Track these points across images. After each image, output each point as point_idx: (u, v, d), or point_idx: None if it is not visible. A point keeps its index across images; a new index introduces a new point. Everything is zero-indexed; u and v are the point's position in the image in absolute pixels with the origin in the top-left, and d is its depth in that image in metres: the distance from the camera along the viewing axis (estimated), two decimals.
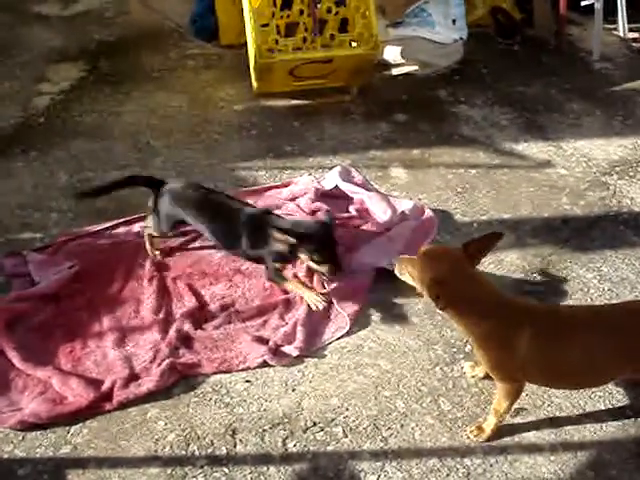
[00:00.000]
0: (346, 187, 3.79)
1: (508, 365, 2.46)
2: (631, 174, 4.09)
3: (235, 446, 2.58)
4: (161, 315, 3.05)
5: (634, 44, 5.76)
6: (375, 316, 3.11)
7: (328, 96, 4.69)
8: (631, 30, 5.84)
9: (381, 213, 3.59)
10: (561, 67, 5.32)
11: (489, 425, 2.60)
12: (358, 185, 3.82)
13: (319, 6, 4.41)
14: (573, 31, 5.89)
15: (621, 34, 5.88)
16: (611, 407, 2.75)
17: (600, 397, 2.78)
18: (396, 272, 2.59)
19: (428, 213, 3.65)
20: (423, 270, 2.42)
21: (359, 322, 3.08)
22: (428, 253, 2.48)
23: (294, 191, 3.78)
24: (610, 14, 5.78)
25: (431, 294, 2.35)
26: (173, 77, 4.94)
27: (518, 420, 2.68)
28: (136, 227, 3.52)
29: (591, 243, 3.55)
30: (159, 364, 2.81)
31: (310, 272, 3.27)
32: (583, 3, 5.86)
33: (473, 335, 2.46)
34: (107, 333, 2.98)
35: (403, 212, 3.60)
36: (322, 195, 3.73)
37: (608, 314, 2.52)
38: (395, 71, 4.99)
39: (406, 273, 2.52)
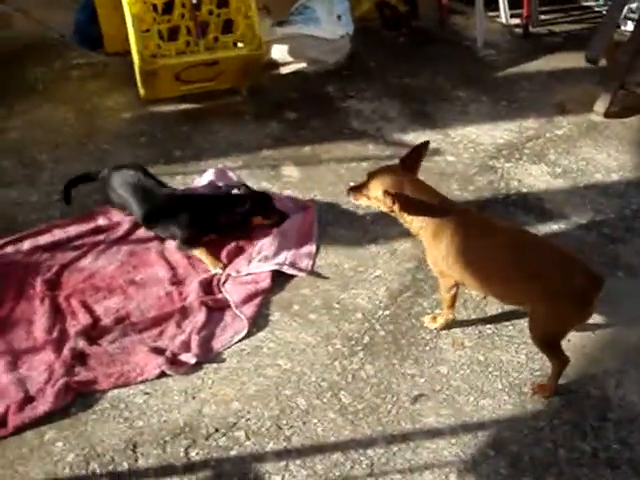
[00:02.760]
0: None
1: (438, 260, 2.87)
2: (517, 156, 4.22)
3: (137, 460, 2.53)
4: (54, 334, 2.96)
5: (516, 30, 5.94)
6: (273, 316, 3.11)
7: (218, 98, 4.66)
8: (513, 16, 6.02)
9: None
10: (447, 56, 5.45)
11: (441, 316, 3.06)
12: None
13: (201, 8, 4.37)
14: (457, 20, 6.05)
15: (504, 21, 6.05)
16: (507, 385, 2.82)
17: (496, 376, 2.86)
18: (352, 201, 3.03)
19: (306, 204, 3.71)
20: (376, 187, 2.85)
21: (257, 323, 3.07)
22: (375, 174, 2.92)
23: None
24: (493, 1, 5.96)
25: (387, 202, 2.79)
26: (58, 89, 4.81)
27: (418, 406, 2.72)
28: (25, 245, 3.42)
29: None
30: (54, 384, 2.73)
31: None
32: None
33: (422, 235, 2.88)
34: None
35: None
36: None
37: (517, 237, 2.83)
38: (284, 70, 5.00)
39: (362, 197, 2.93)
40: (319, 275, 3.33)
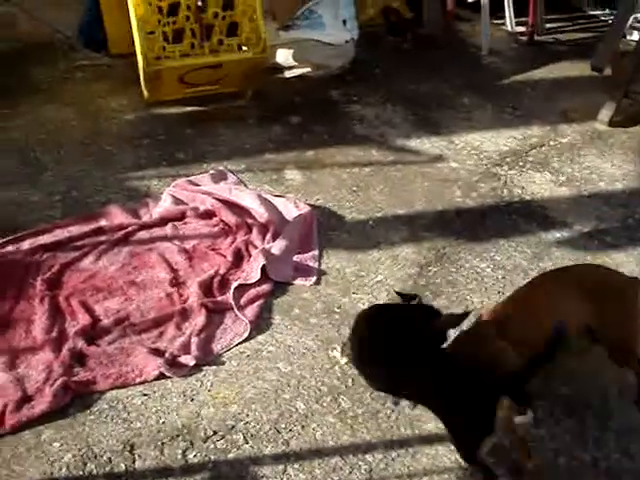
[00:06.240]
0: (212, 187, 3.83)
1: None
2: (521, 164, 4.21)
3: (134, 462, 2.51)
4: (54, 334, 2.94)
5: (521, 37, 5.94)
6: (274, 319, 3.09)
7: (221, 102, 4.66)
8: (518, 24, 6.02)
9: (250, 202, 3.66)
10: (452, 63, 5.45)
11: None
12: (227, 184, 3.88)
13: (207, 10, 4.36)
14: (462, 27, 6.05)
15: (509, 28, 6.06)
16: None
17: None
18: None
19: (303, 207, 3.68)
20: None
21: (258, 326, 3.05)
22: None
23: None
24: (498, 9, 5.96)
25: None
26: (62, 89, 4.81)
27: (417, 412, 2.70)
28: (25, 244, 3.41)
29: (484, 233, 3.63)
30: (52, 384, 2.71)
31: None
32: None
33: None
34: None
35: (274, 207, 3.67)
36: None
37: None
38: (288, 74, 4.99)
39: None
40: (320, 279, 3.32)
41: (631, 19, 5.20)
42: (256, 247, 3.42)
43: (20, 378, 2.77)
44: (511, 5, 6.00)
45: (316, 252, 3.44)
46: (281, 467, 2.51)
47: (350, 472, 2.50)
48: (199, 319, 3.03)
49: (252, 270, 3.28)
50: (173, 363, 2.83)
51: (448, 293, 3.24)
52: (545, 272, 3.07)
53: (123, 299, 3.15)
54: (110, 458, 2.52)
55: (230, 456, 2.53)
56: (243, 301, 3.15)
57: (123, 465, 2.50)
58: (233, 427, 2.63)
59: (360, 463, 2.53)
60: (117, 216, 3.63)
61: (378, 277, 3.33)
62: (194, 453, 2.54)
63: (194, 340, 2.92)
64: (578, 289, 2.66)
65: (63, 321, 3.03)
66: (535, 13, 5.83)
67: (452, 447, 2.56)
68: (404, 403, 2.72)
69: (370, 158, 4.22)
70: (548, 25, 6.09)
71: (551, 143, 4.45)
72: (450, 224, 3.69)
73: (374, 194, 3.88)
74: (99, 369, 2.81)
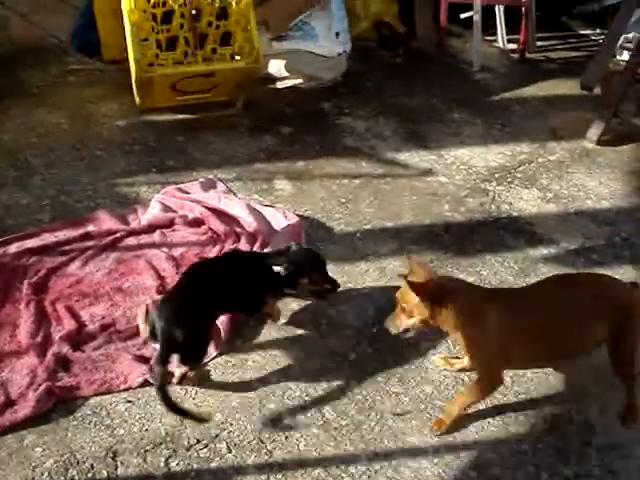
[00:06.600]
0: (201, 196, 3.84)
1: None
2: (509, 180, 4.23)
3: (116, 469, 2.51)
4: (38, 339, 2.93)
5: (513, 55, 5.99)
6: (260, 329, 3.09)
7: (213, 110, 4.67)
8: (510, 42, 6.07)
9: (239, 211, 3.67)
10: (443, 78, 5.48)
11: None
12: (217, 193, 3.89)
13: (201, 19, 4.37)
14: (454, 43, 6.09)
15: (501, 45, 6.11)
16: (491, 406, 2.81)
17: None
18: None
19: (292, 217, 3.68)
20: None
21: (244, 335, 3.05)
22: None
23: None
24: (490, 26, 6.01)
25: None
26: (53, 93, 4.81)
27: (401, 425, 2.71)
28: (13, 248, 3.40)
29: (471, 248, 3.65)
30: (36, 389, 2.70)
31: None
32: (462, 15, 6.08)
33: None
34: None
35: (263, 216, 3.68)
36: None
37: None
38: (280, 84, 5.02)
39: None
40: None
41: (621, 39, 5.25)
42: None
43: (4, 382, 2.77)
44: (503, 23, 6.06)
45: None
46: (264, 477, 2.51)
47: None
48: None
49: None
50: None
51: None
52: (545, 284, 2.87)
53: (109, 305, 3.15)
54: (92, 464, 2.51)
55: (213, 465, 2.53)
56: None
57: (105, 472, 2.49)
58: (217, 436, 2.63)
59: (343, 475, 2.53)
60: (105, 222, 3.63)
61: (365, 289, 3.34)
62: (177, 461, 2.54)
63: None
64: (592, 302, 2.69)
65: (48, 326, 3.02)
66: (527, 31, 5.88)
67: (435, 460, 2.59)
68: (388, 416, 2.74)
69: (360, 170, 4.24)
70: (539, 43, 6.15)
71: (539, 160, 4.48)
72: (438, 238, 3.71)
73: (363, 206, 3.90)
74: (83, 375, 2.81)
